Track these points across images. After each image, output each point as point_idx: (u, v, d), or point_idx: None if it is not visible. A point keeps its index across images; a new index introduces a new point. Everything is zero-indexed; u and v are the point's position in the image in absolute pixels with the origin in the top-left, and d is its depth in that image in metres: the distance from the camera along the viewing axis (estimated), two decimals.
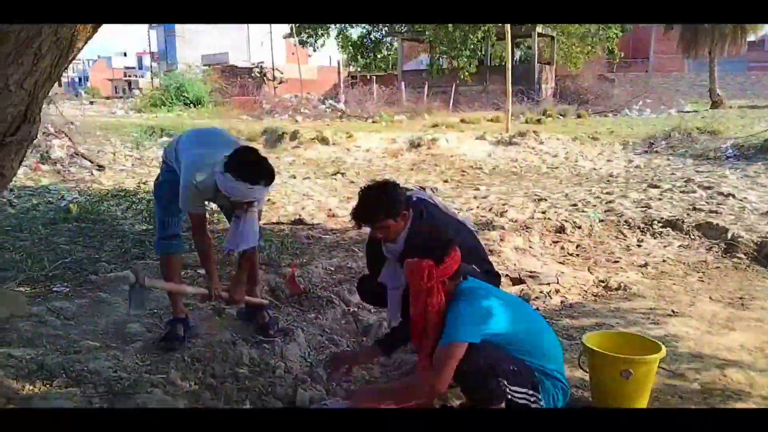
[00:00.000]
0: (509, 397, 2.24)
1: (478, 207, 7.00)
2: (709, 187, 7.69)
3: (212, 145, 2.98)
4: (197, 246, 3.15)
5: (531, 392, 2.28)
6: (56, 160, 9.36)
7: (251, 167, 2.76)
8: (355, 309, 3.82)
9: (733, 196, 7.07)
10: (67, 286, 3.94)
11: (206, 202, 3.11)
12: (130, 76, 63.40)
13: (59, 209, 6.17)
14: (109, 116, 19.23)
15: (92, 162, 9.71)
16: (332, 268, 4.50)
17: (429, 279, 2.25)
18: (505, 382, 2.22)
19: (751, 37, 30.54)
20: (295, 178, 9.39)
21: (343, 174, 9.81)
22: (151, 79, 36.09)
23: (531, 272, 4.64)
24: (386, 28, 32.16)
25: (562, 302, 4.13)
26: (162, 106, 22.76)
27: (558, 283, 4.41)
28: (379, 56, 34.83)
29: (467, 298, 2.29)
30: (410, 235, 2.60)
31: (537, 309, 4.01)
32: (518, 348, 2.31)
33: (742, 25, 26.00)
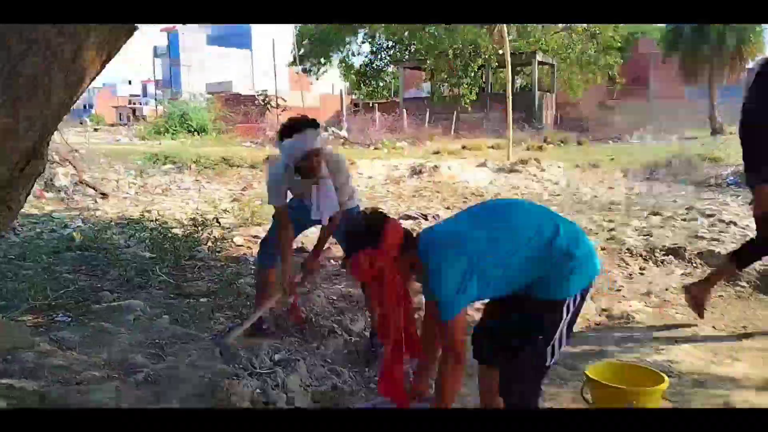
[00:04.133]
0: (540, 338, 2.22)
1: None
2: (710, 215, 7.69)
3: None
4: (280, 241, 3.52)
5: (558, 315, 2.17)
6: (60, 188, 9.43)
7: (294, 122, 3.23)
8: (357, 339, 3.81)
9: (735, 224, 7.07)
10: (70, 315, 3.95)
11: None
12: (134, 103, 64.10)
13: (62, 237, 6.20)
14: (114, 144, 19.39)
15: (96, 190, 9.77)
16: (334, 297, 4.50)
17: (372, 266, 2.15)
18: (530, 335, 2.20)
19: (750, 64, 30.90)
20: None
21: None
22: (156, 107, 36.43)
23: None
24: (388, 57, 32.60)
25: None
26: (166, 134, 22.94)
27: None
28: (381, 84, 35.24)
29: (434, 263, 2.13)
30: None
31: None
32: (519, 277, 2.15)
33: (741, 53, 26.35)
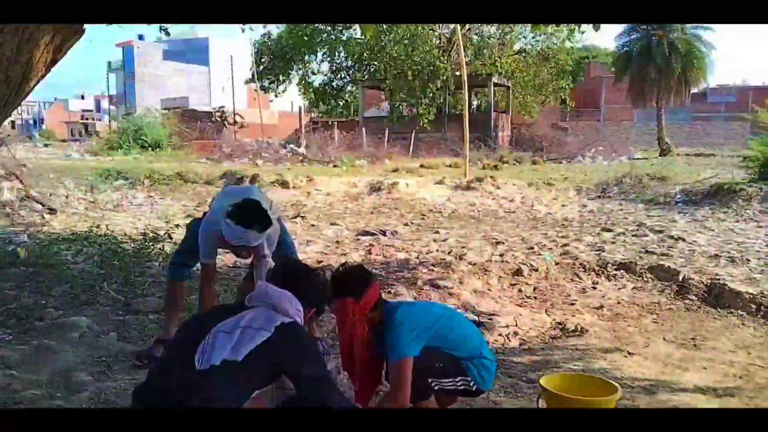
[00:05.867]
0: (437, 388, 2.60)
1: (437, 250, 7.04)
2: (660, 231, 7.93)
3: (236, 198, 3.19)
4: (200, 295, 3.43)
5: (459, 378, 2.64)
6: (5, 203, 9.07)
7: (247, 213, 3.00)
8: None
9: (683, 239, 7.30)
10: (11, 333, 3.77)
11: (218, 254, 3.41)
12: (87, 119, 62.49)
13: (6, 253, 5.94)
14: (64, 159, 18.81)
15: (43, 205, 9.43)
16: None
17: (353, 314, 2.54)
18: (433, 379, 2.57)
19: (694, 90, 32.31)
20: None
21: (303, 217, 9.77)
22: (109, 122, 35.62)
23: (490, 314, 4.66)
24: (348, 77, 32.77)
25: (520, 344, 4.15)
26: (119, 149, 22.39)
27: (516, 325, 4.43)
28: (340, 103, 35.33)
29: (398, 318, 2.57)
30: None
31: (496, 351, 4.02)
32: (444, 345, 2.62)
33: (686, 78, 27.50)
